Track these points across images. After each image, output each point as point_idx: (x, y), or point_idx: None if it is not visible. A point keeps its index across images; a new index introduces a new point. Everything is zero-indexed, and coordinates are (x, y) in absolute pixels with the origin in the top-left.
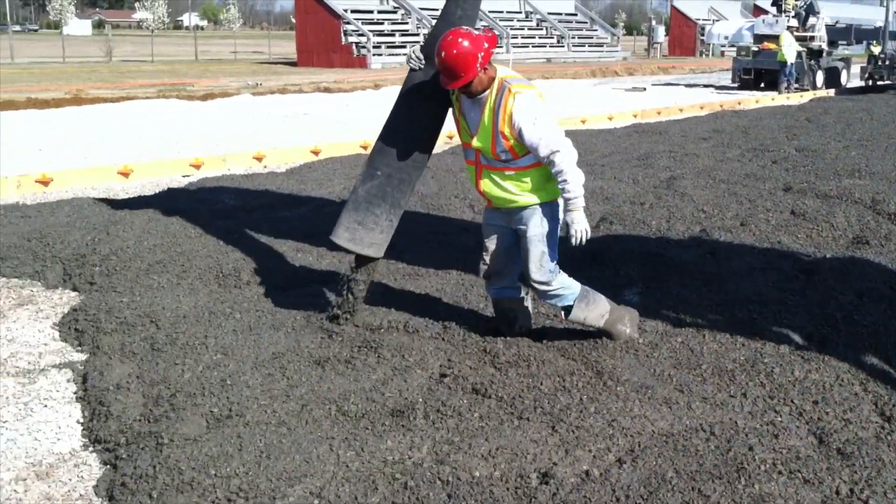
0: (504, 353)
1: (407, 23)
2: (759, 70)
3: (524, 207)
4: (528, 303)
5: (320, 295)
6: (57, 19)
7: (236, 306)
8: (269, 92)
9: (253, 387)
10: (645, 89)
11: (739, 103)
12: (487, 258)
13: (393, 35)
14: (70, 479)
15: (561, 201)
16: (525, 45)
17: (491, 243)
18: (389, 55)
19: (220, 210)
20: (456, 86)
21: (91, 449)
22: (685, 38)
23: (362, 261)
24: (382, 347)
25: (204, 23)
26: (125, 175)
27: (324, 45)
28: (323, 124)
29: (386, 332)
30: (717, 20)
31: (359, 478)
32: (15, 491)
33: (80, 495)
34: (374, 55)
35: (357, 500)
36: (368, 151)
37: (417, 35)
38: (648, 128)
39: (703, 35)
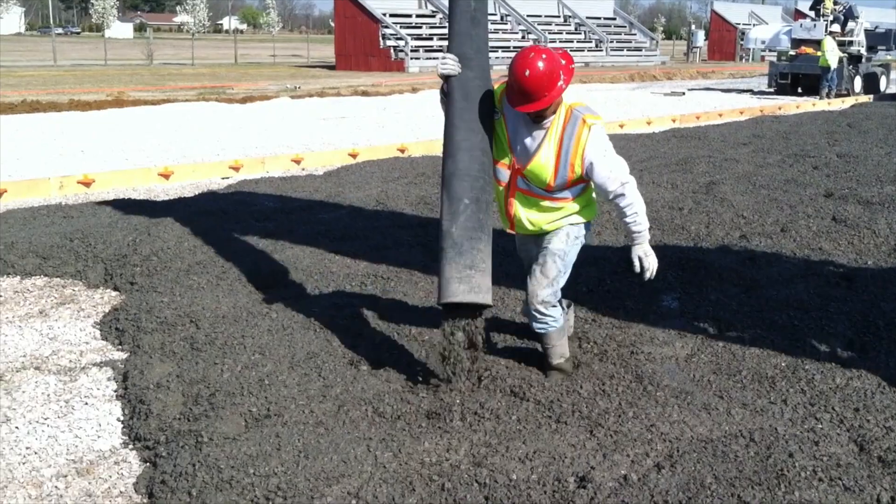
0: (541, 356)
1: (445, 27)
2: (796, 75)
3: (554, 228)
4: (570, 320)
5: (355, 296)
6: (99, 22)
7: (273, 307)
8: (308, 95)
9: (290, 386)
10: (684, 94)
11: (780, 108)
12: None
13: (431, 39)
14: (110, 477)
15: (585, 227)
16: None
17: (526, 272)
18: (427, 59)
19: (259, 212)
20: (535, 108)
21: (131, 447)
22: (725, 42)
23: (467, 311)
24: (414, 349)
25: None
26: (166, 177)
27: (362, 48)
28: (361, 127)
29: (415, 333)
30: (758, 24)
31: (396, 479)
32: (56, 487)
33: (120, 492)
34: (411, 59)
35: (394, 501)
36: (405, 154)
37: None
38: (687, 132)
39: (742, 39)
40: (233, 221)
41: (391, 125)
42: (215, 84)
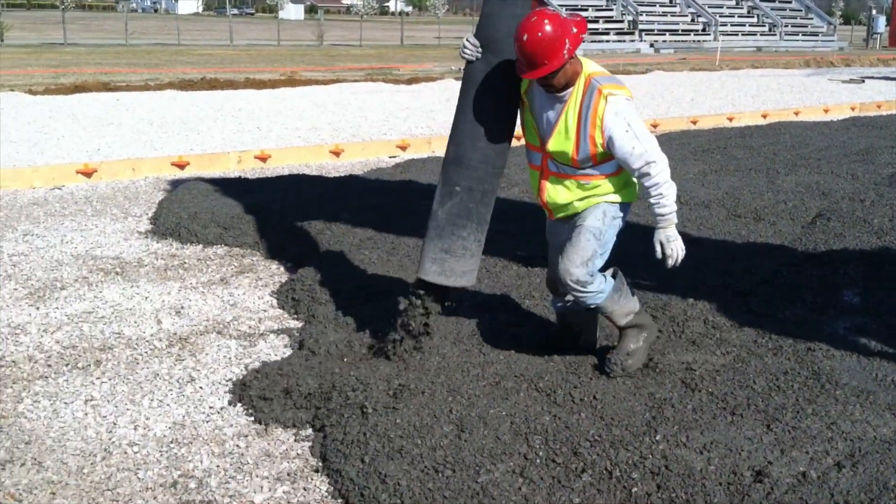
0: (713, 347)
1: (612, 9)
2: None
3: (589, 205)
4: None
5: (522, 276)
6: (273, 3)
7: None
8: None
9: (450, 360)
10: (863, 81)
11: None
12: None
13: (596, 21)
14: (288, 439)
15: (623, 207)
16: (734, 33)
17: (555, 255)
18: (591, 42)
19: (426, 191)
20: (537, 75)
21: (302, 407)
22: None
23: (442, 291)
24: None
25: (409, 8)
26: (336, 154)
27: None
28: None
29: None
30: None
31: (559, 459)
32: (237, 446)
33: (298, 454)
34: None
35: (560, 482)
36: None
37: (622, 22)
38: (868, 121)
39: None
40: (401, 199)
41: None
42: (382, 65)
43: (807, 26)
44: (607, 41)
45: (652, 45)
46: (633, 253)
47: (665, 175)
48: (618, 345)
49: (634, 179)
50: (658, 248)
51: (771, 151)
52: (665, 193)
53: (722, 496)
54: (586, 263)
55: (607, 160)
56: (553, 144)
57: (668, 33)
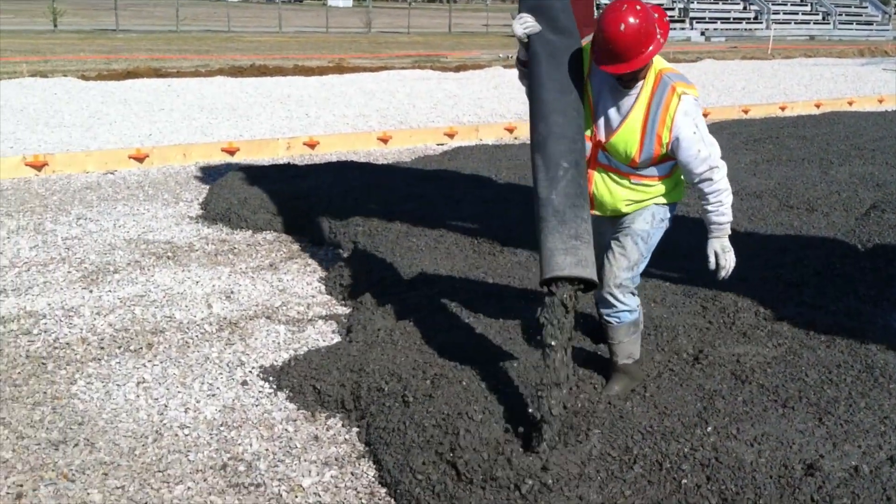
0: (764, 339)
1: None
2: None
3: (637, 208)
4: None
5: None
6: None
7: (489, 272)
8: None
9: (492, 349)
10: None
11: None
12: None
13: None
14: (335, 424)
15: (671, 209)
16: (787, 22)
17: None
18: None
19: (473, 178)
20: (625, 70)
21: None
22: None
23: (567, 290)
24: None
25: None
26: (384, 141)
27: (577, 19)
28: None
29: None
30: None
31: (615, 450)
32: (286, 430)
33: (345, 439)
34: None
35: (614, 475)
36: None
37: (673, 10)
38: None
39: None
40: (448, 187)
41: None
42: (430, 52)
43: (861, 15)
44: None
45: (703, 34)
46: (682, 244)
47: (726, 182)
48: (607, 384)
49: (692, 182)
50: (712, 259)
51: (824, 141)
52: (724, 202)
53: (772, 489)
54: (632, 267)
55: (665, 161)
56: (617, 140)
57: (719, 21)
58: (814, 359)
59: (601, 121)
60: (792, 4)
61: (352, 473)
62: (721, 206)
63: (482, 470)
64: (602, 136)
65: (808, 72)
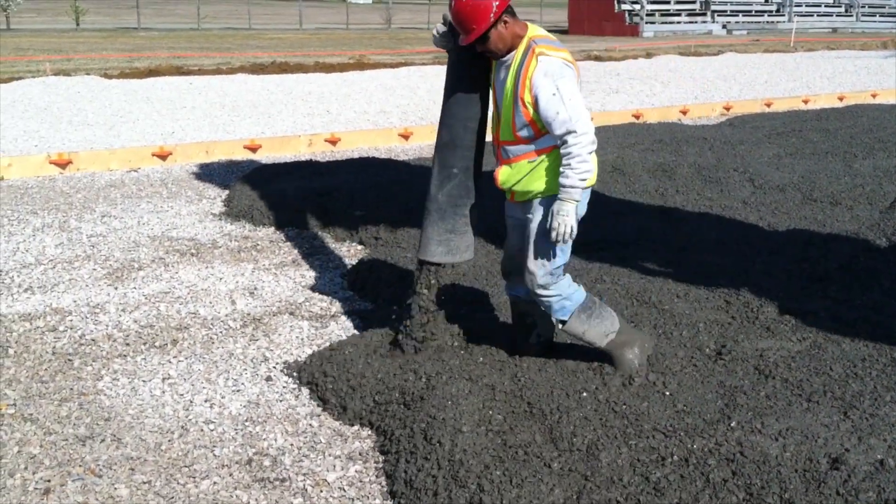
0: (788, 334)
1: None
2: None
3: (539, 196)
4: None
5: (592, 262)
6: None
7: None
8: None
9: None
10: None
11: None
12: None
13: (668, 3)
14: (358, 420)
15: (584, 194)
16: (809, 14)
17: (509, 238)
18: (663, 23)
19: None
20: (469, 40)
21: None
22: None
23: (435, 267)
24: (643, 320)
25: None
26: (405, 137)
27: (596, 12)
28: (594, 92)
29: (656, 301)
30: None
31: (638, 448)
32: (310, 425)
33: (369, 434)
34: (646, 23)
35: (642, 475)
36: (641, 120)
37: (694, 2)
38: None
39: None
40: None
41: (625, 90)
42: None
43: (884, 7)
44: (679, 22)
45: (724, 27)
46: (706, 239)
47: (582, 149)
48: (616, 369)
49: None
50: (548, 218)
51: (848, 135)
52: (574, 167)
53: (798, 483)
54: (543, 262)
55: (544, 134)
56: (502, 113)
57: (741, 14)
58: (838, 353)
59: (498, 101)
60: None
61: (376, 468)
62: (569, 170)
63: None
64: (499, 114)
65: (831, 64)
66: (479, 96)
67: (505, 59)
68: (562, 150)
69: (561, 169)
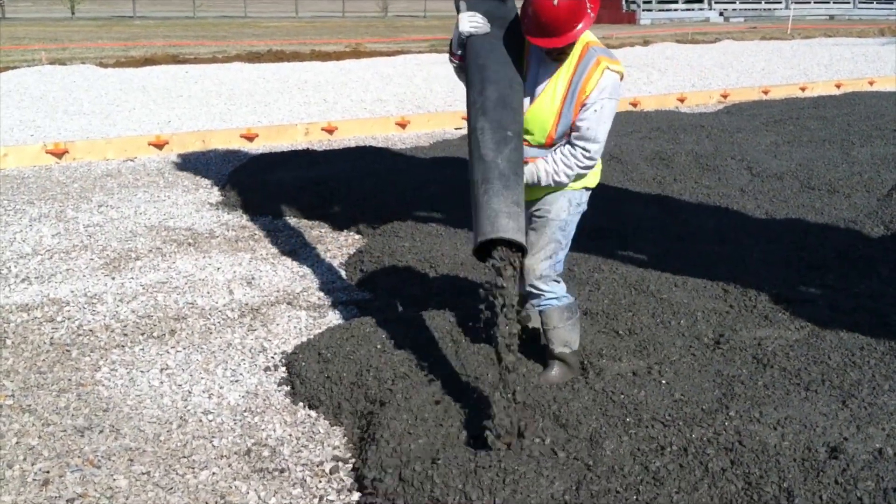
0: (786, 322)
1: None
2: None
3: (552, 191)
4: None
5: (591, 250)
6: None
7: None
8: None
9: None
10: None
11: None
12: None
13: None
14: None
15: (587, 194)
16: (806, 1)
17: None
18: (660, 10)
19: None
20: (552, 45)
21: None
22: None
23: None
24: (641, 310)
25: None
26: (402, 126)
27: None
28: None
29: (654, 290)
30: None
31: (639, 438)
32: (309, 415)
33: (357, 424)
34: (644, 10)
35: (636, 459)
36: (637, 108)
37: None
38: None
39: None
40: (467, 171)
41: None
42: (447, 36)
43: None
44: (675, 10)
45: (721, 14)
46: (705, 228)
47: (579, 164)
48: (542, 371)
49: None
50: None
51: (845, 122)
52: (561, 168)
53: (796, 472)
54: (550, 257)
55: None
56: (534, 111)
57: (738, 1)
58: (836, 341)
59: (529, 92)
60: None
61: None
62: (556, 165)
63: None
64: (524, 108)
65: (828, 52)
66: (517, 66)
67: (559, 60)
68: (563, 148)
69: (551, 155)
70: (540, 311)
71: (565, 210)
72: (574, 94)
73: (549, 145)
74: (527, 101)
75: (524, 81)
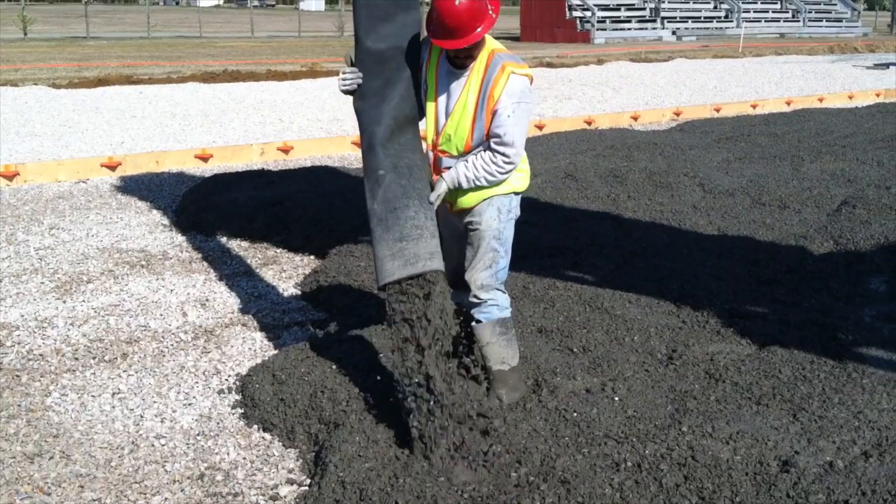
0: (737, 337)
1: None
2: None
3: (484, 199)
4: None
5: (546, 268)
6: None
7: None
8: None
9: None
10: (888, 67)
11: None
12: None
13: (619, 10)
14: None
15: (516, 199)
16: (757, 20)
17: (449, 249)
18: (614, 30)
19: None
20: (455, 46)
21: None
22: None
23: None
24: (595, 326)
25: None
26: (358, 145)
27: (548, 19)
28: (546, 98)
29: (608, 306)
30: None
31: (592, 455)
32: (263, 438)
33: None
34: (597, 30)
35: (591, 478)
36: (593, 127)
37: (644, 9)
38: (893, 108)
39: None
40: None
41: (577, 97)
42: None
43: (830, 12)
44: (629, 29)
45: (674, 33)
46: (657, 242)
47: (498, 169)
48: (487, 393)
49: (524, 168)
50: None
51: (795, 139)
52: (481, 172)
53: (748, 486)
54: (490, 267)
55: None
56: (451, 124)
57: (690, 20)
58: (787, 355)
59: (441, 108)
60: (762, 2)
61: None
62: (475, 169)
63: None
64: (442, 124)
65: (779, 69)
66: (392, 94)
67: (465, 69)
68: (484, 153)
69: (471, 160)
70: (475, 326)
71: (496, 219)
72: (484, 101)
73: (467, 153)
74: (442, 116)
75: (434, 93)
